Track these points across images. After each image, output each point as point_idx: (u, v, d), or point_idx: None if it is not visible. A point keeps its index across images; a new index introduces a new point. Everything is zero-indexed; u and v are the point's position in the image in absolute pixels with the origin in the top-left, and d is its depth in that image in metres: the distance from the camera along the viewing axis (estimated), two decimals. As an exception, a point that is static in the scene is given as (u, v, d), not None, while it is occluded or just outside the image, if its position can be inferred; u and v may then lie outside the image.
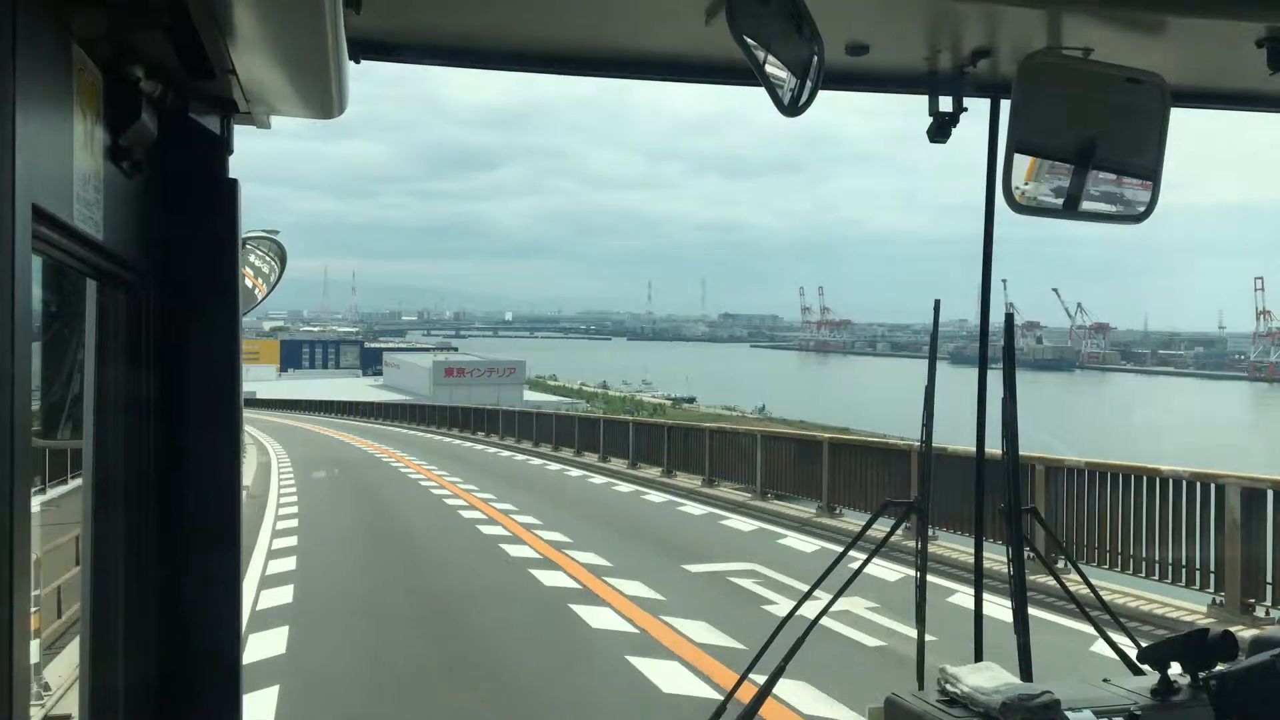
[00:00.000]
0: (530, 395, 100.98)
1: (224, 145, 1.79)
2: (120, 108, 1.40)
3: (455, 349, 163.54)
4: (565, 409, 79.79)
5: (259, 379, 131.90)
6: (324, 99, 1.80)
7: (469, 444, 38.44)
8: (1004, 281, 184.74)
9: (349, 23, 1.70)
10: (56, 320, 1.87)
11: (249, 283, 3.05)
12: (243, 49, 1.55)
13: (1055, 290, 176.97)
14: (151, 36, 1.36)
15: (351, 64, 1.88)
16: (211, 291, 1.72)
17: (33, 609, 1.38)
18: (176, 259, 1.66)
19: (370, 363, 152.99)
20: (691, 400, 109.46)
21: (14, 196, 1.00)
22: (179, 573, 1.68)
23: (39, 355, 1.52)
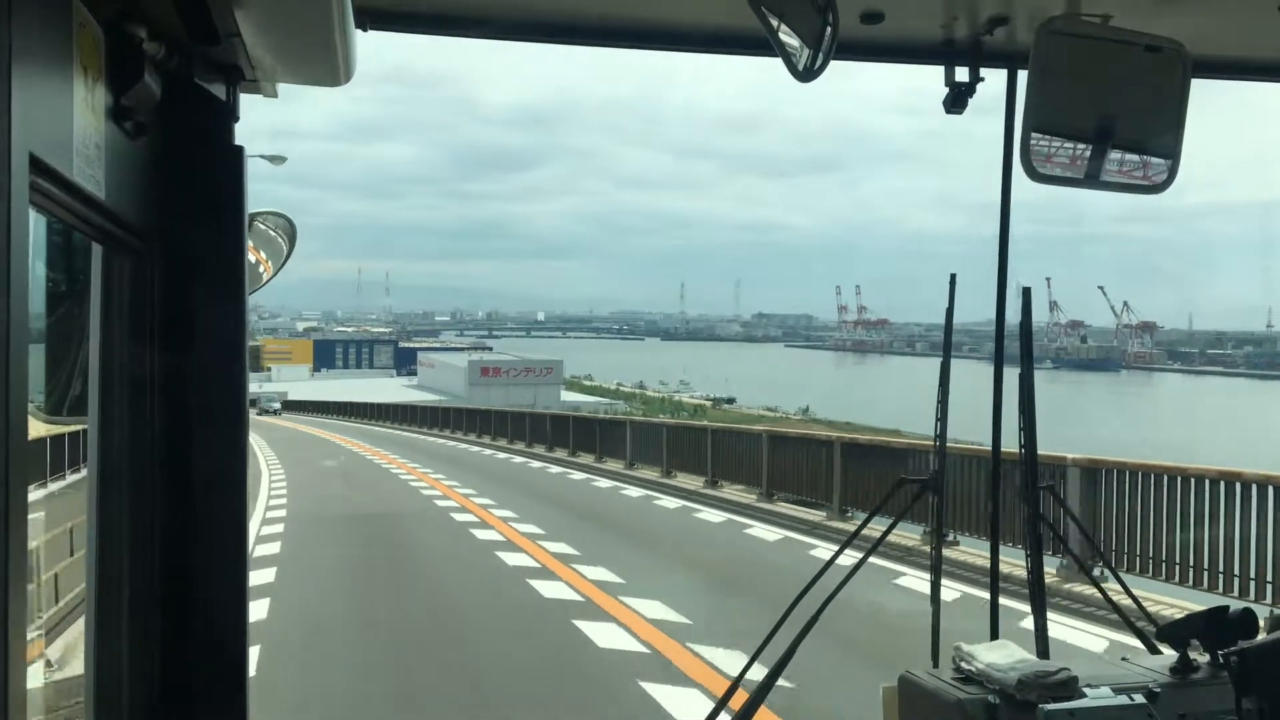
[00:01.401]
0: (567, 396, 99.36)
1: (230, 112, 1.76)
2: (123, 67, 1.38)
3: (490, 348, 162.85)
4: (604, 410, 78.11)
5: (292, 379, 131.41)
6: (330, 66, 1.78)
7: (576, 474, 26.66)
8: (1048, 280, 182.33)
9: None
10: (62, 289, 1.76)
11: (254, 259, 2.93)
12: (248, 13, 1.55)
13: (1101, 288, 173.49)
14: None
15: (359, 32, 1.88)
16: (218, 260, 1.69)
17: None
18: (182, 225, 1.63)
19: (404, 362, 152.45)
20: (731, 401, 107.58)
21: (9, 143, 0.97)
22: (184, 552, 1.67)
23: (44, 326, 1.63)
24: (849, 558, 2.83)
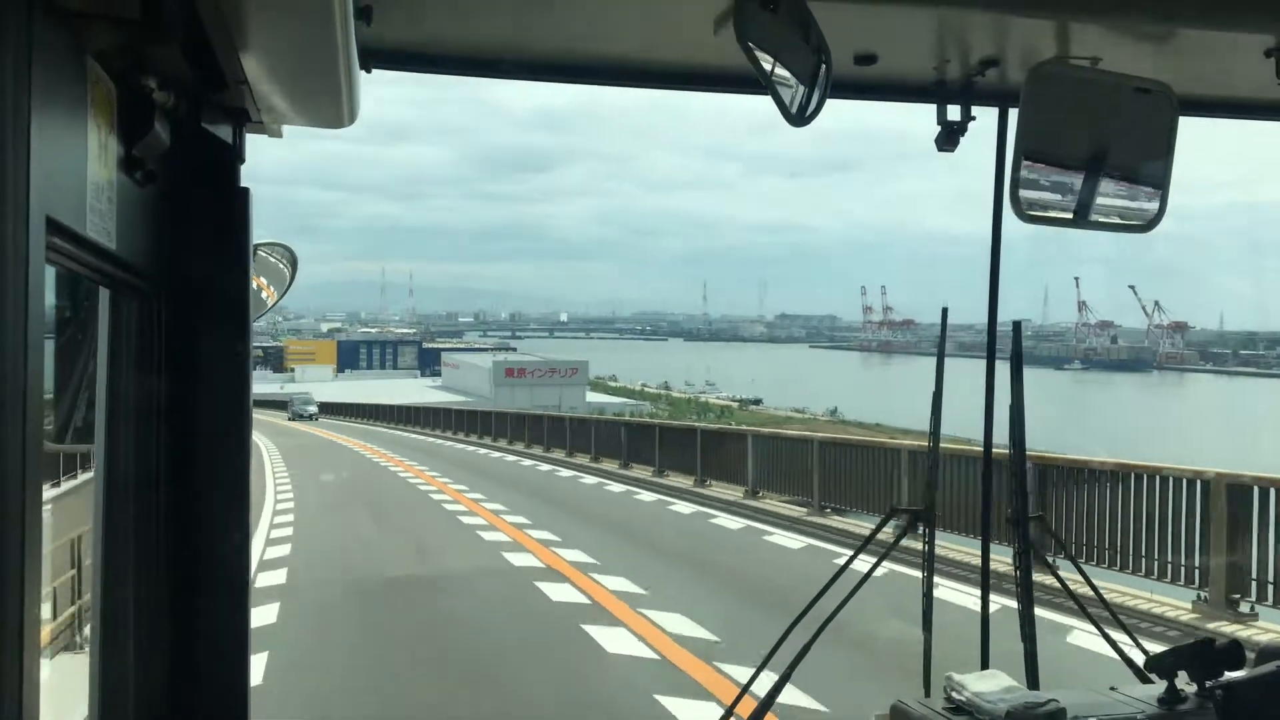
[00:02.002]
0: (592, 397, 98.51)
1: (236, 154, 1.81)
2: (134, 119, 1.41)
3: (514, 349, 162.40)
4: (630, 412, 77.10)
5: (316, 379, 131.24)
6: (334, 109, 1.83)
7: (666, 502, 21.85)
8: (1076, 279, 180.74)
9: (360, 33, 1.73)
10: (70, 328, 1.86)
11: (259, 288, 3.08)
12: (255, 59, 1.59)
13: (1132, 288, 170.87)
14: (165, 49, 1.36)
15: (363, 73, 1.93)
16: (223, 299, 1.74)
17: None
18: (188, 267, 1.68)
19: (428, 363, 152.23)
20: (758, 402, 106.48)
21: (28, 210, 1.02)
22: (189, 579, 1.70)
23: (53, 362, 1.70)
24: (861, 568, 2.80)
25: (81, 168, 1.24)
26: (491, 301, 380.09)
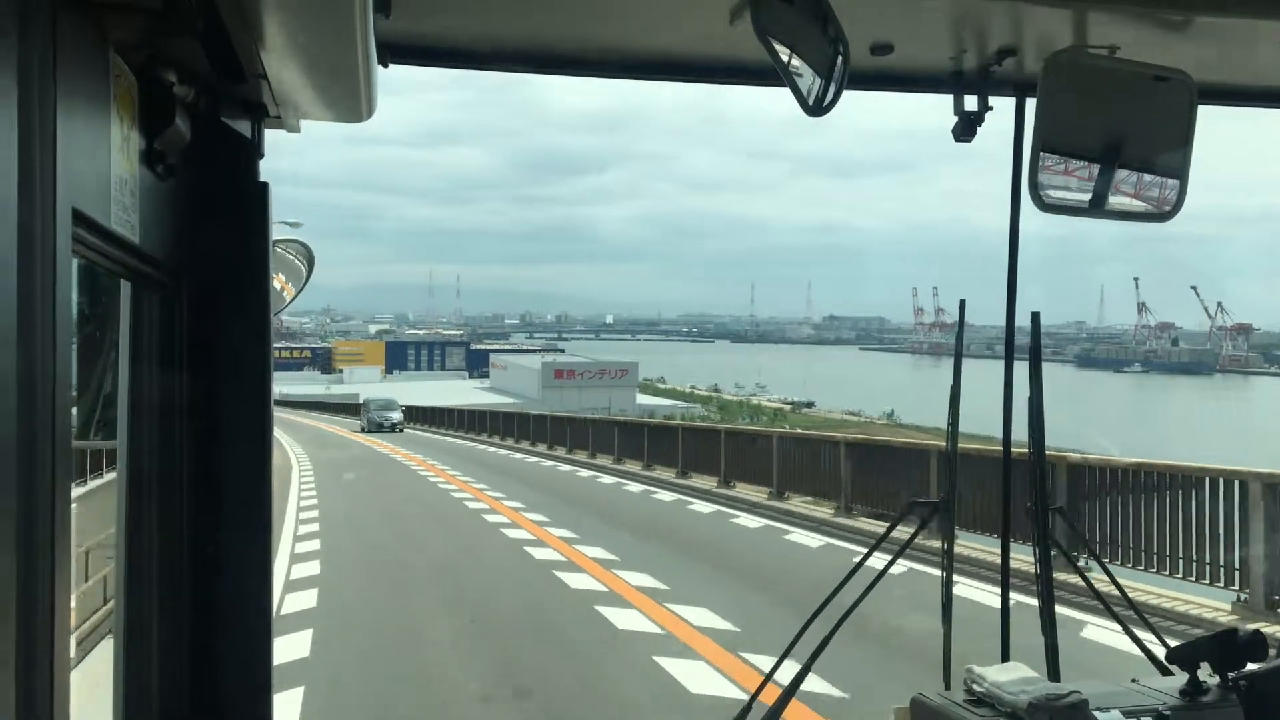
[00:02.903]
0: (642, 399, 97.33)
1: (255, 149, 1.83)
2: (155, 112, 1.43)
3: (562, 350, 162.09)
4: (682, 415, 75.83)
5: (364, 381, 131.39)
6: (353, 103, 1.84)
7: None
8: (1135, 280, 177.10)
9: (378, 27, 1.75)
10: (92, 321, 1.89)
11: (277, 284, 5.11)
12: (273, 53, 1.60)
13: (1194, 289, 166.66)
14: (184, 42, 1.39)
15: (381, 68, 1.93)
16: (243, 293, 1.76)
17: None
18: (208, 260, 1.71)
19: (476, 364, 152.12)
20: (810, 405, 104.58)
21: (55, 200, 1.03)
22: (211, 573, 1.72)
23: (78, 357, 1.67)
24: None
25: (105, 160, 1.25)
26: (537, 303, 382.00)
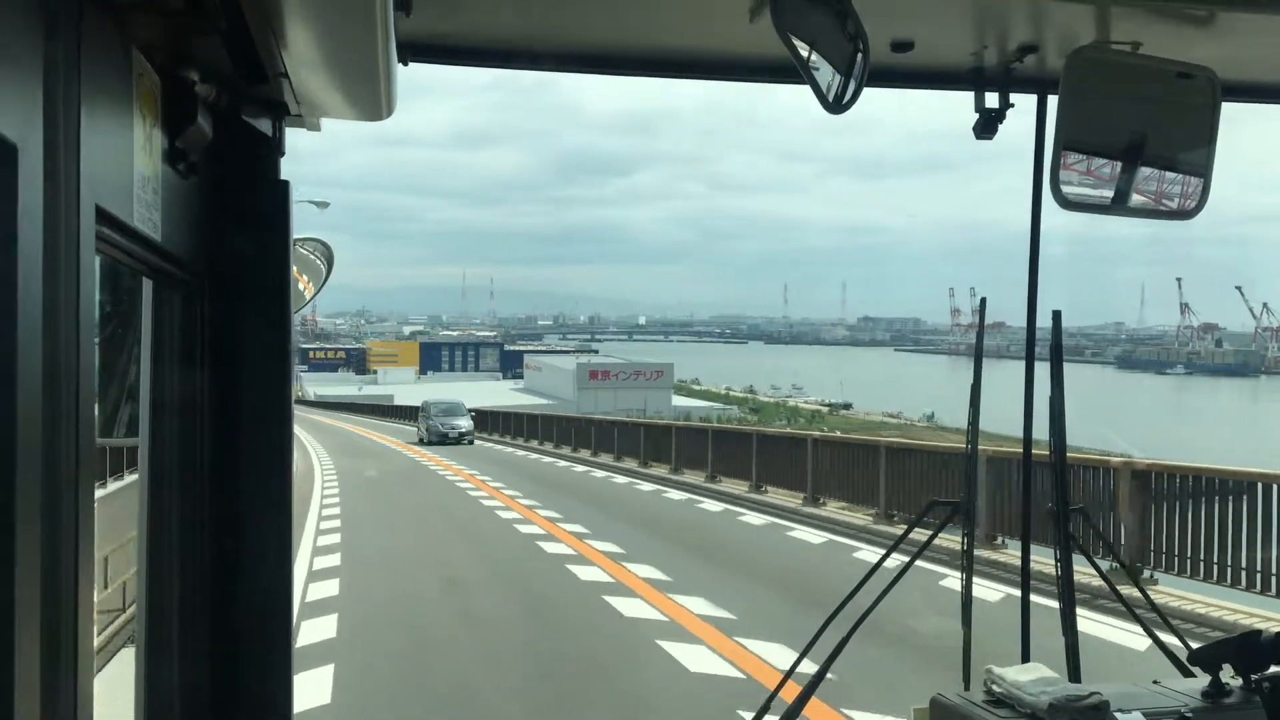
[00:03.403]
0: (677, 401, 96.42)
1: (276, 147, 1.83)
2: (177, 111, 1.44)
3: (596, 351, 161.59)
4: (717, 417, 74.78)
5: (398, 381, 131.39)
6: (373, 102, 1.85)
7: None
8: (1178, 280, 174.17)
9: (398, 26, 1.76)
10: (115, 319, 1.89)
11: (298, 283, 3.12)
12: (294, 53, 1.61)
13: (1239, 288, 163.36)
14: (207, 41, 1.40)
15: (400, 66, 1.95)
16: (264, 291, 1.76)
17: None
18: (230, 258, 1.71)
19: (509, 365, 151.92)
20: (848, 406, 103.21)
21: (79, 198, 1.03)
22: (231, 569, 1.73)
23: (100, 355, 1.74)
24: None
25: (128, 158, 1.26)
26: (570, 305, 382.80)
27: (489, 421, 48.12)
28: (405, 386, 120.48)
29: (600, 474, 29.16)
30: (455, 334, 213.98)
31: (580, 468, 31.40)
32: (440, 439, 40.54)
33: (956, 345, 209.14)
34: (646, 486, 25.55)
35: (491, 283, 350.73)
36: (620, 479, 27.53)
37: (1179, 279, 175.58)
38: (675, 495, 23.53)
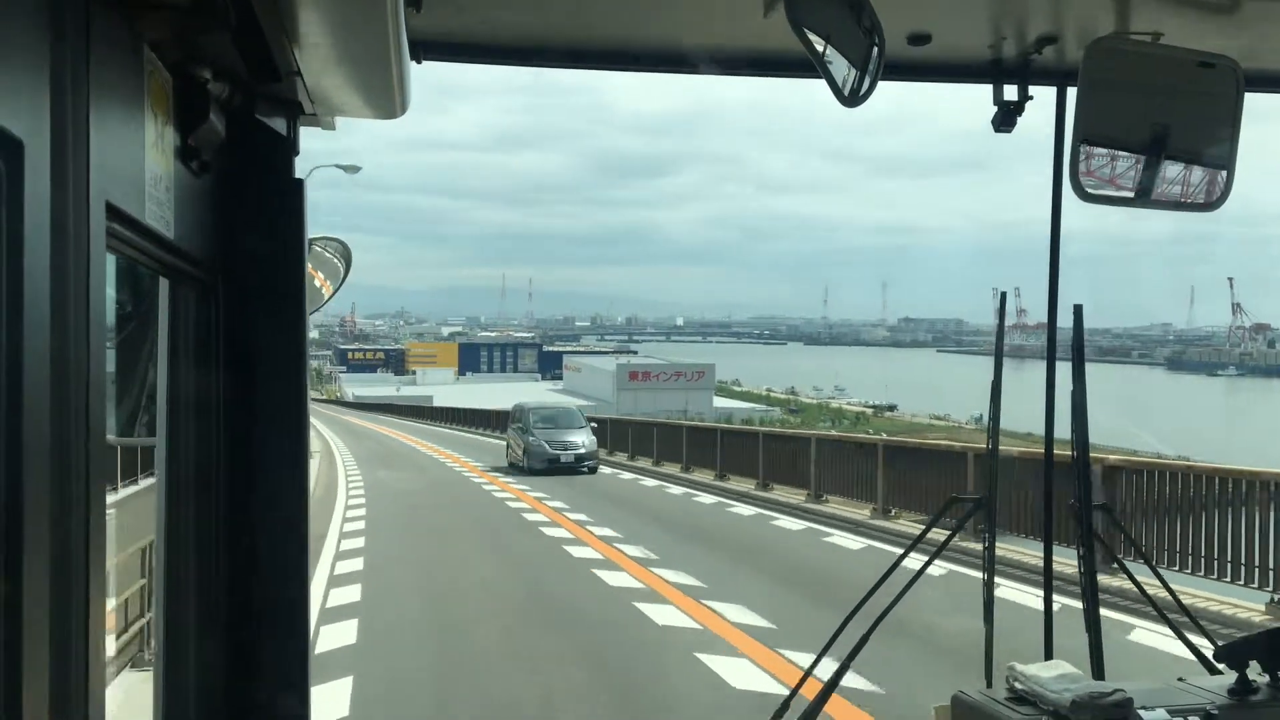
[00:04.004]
0: (719, 402, 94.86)
1: (290, 146, 1.83)
2: (189, 109, 1.45)
3: (635, 352, 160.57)
4: (761, 419, 73.24)
5: (437, 382, 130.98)
6: (386, 100, 1.86)
7: None
8: (1230, 280, 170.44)
9: (410, 24, 1.77)
10: (134, 318, 1.92)
11: (316, 282, 3.24)
12: (307, 52, 1.62)
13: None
14: (219, 39, 1.40)
15: (413, 64, 1.96)
16: (278, 289, 1.77)
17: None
18: (244, 257, 1.71)
19: (548, 366, 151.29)
20: (892, 408, 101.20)
21: (88, 194, 1.04)
22: (247, 569, 1.74)
23: (116, 351, 1.88)
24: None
25: (139, 156, 1.26)
26: (607, 305, 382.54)
27: None
28: (444, 387, 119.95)
29: (708, 498, 22.72)
30: (493, 335, 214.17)
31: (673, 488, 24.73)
32: (548, 465, 26.96)
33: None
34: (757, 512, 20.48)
35: (529, 283, 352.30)
36: (743, 509, 20.91)
37: (1230, 279, 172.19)
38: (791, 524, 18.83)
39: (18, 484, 0.88)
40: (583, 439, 28.53)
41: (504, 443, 32.15)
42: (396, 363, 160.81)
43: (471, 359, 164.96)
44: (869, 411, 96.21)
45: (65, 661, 0.95)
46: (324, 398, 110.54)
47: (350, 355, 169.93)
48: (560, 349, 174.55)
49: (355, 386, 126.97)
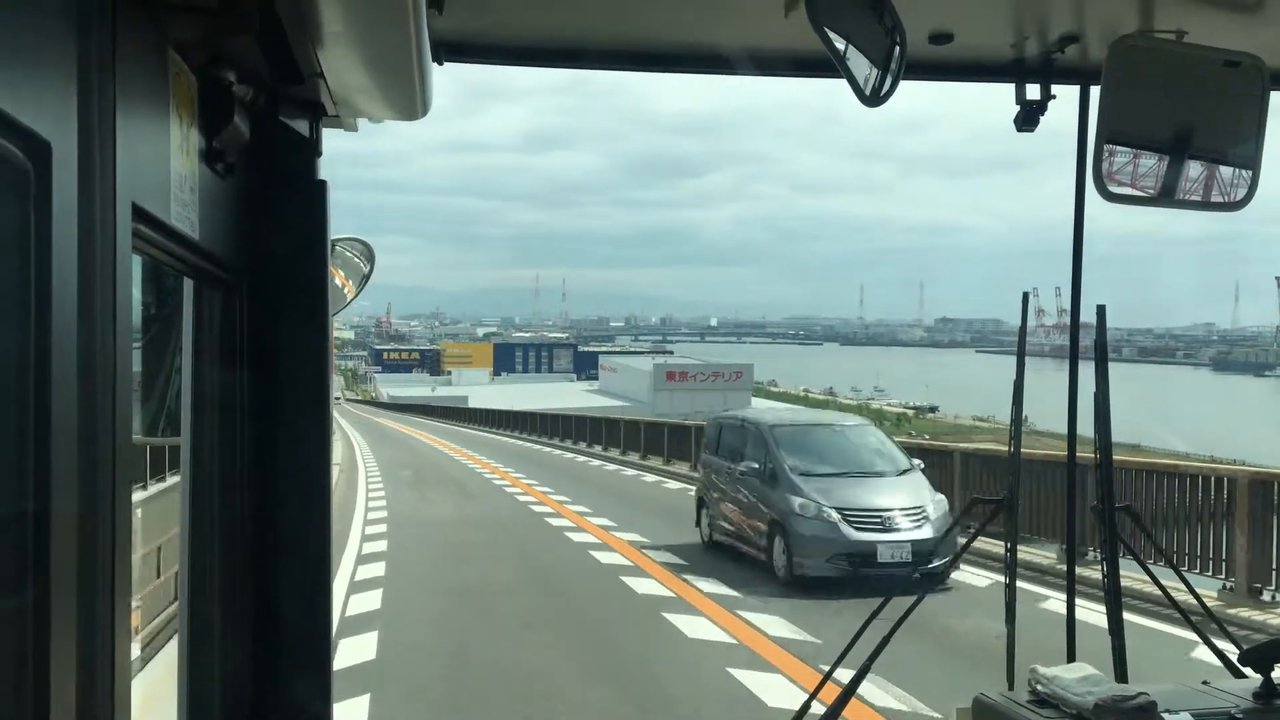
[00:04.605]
0: (757, 403, 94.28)
1: (313, 147, 1.85)
2: (214, 111, 1.46)
3: (671, 352, 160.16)
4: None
5: (472, 383, 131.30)
6: (408, 101, 1.87)
7: None
8: (1278, 279, 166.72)
9: (432, 25, 1.77)
10: (161, 318, 1.92)
11: (339, 282, 3.21)
12: (330, 53, 1.63)
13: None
14: (243, 42, 1.42)
15: (435, 65, 1.97)
16: (302, 290, 1.78)
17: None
18: (268, 258, 1.73)
19: (583, 366, 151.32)
20: (934, 410, 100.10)
21: (115, 195, 1.05)
22: (270, 570, 1.75)
23: (142, 351, 1.92)
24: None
25: (165, 157, 1.28)
26: (641, 306, 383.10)
27: (573, 429, 37.38)
28: (479, 388, 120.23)
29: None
30: (528, 335, 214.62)
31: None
32: (847, 568, 12.13)
33: (1041, 346, 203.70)
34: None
35: (564, 284, 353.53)
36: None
37: (1278, 277, 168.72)
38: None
39: (46, 485, 0.88)
40: (919, 501, 13.10)
41: (569, 455, 23.17)
42: (432, 363, 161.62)
43: (506, 359, 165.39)
44: (910, 413, 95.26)
45: (91, 661, 0.95)
46: (359, 398, 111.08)
47: (385, 355, 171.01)
48: (595, 349, 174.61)
49: (390, 387, 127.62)
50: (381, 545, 14.92)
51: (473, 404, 76.20)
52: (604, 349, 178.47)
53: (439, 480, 25.19)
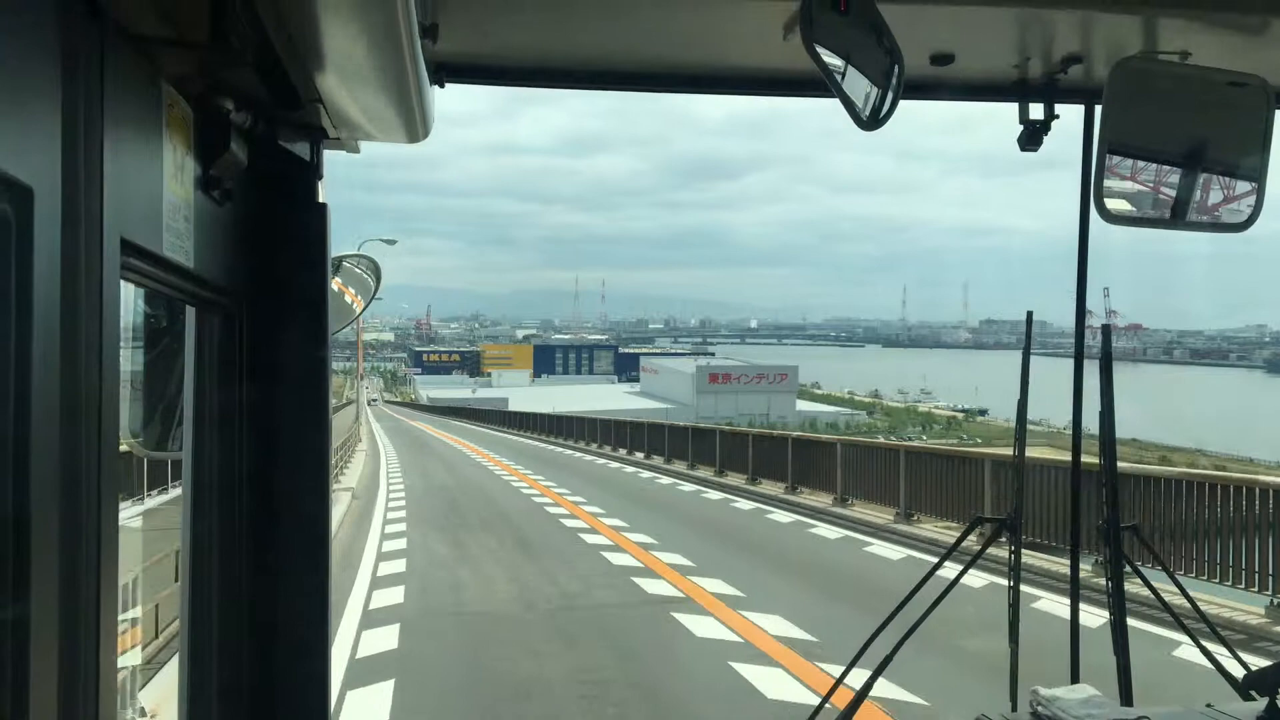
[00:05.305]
0: (801, 405, 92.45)
1: (314, 171, 1.85)
2: (211, 139, 1.46)
3: (713, 354, 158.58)
4: (845, 424, 70.77)
5: (512, 384, 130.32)
6: (409, 123, 1.87)
7: None
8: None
9: (428, 49, 1.78)
10: (167, 339, 1.95)
11: (347, 298, 3.21)
12: (328, 79, 1.64)
13: None
14: (239, 72, 1.41)
15: (436, 88, 2.00)
16: (303, 314, 1.79)
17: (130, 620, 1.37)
18: (269, 283, 1.73)
19: (624, 368, 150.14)
20: (984, 413, 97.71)
21: (102, 231, 1.05)
22: (269, 590, 1.76)
23: (148, 371, 2.00)
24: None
25: (157, 189, 1.28)
26: (680, 308, 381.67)
27: (626, 437, 34.21)
28: (519, 389, 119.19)
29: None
30: (568, 337, 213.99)
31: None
32: None
33: (1088, 348, 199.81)
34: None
35: (603, 285, 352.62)
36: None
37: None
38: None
39: (26, 511, 0.88)
40: None
41: (645, 474, 20.07)
42: (472, 364, 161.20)
43: (546, 361, 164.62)
44: (960, 416, 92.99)
45: (74, 679, 0.94)
46: (398, 399, 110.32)
47: (425, 357, 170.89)
48: (636, 351, 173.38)
49: (430, 389, 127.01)
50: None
51: (513, 406, 74.74)
52: (644, 350, 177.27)
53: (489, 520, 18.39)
